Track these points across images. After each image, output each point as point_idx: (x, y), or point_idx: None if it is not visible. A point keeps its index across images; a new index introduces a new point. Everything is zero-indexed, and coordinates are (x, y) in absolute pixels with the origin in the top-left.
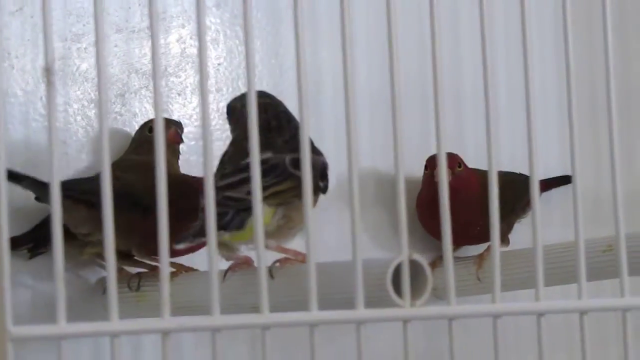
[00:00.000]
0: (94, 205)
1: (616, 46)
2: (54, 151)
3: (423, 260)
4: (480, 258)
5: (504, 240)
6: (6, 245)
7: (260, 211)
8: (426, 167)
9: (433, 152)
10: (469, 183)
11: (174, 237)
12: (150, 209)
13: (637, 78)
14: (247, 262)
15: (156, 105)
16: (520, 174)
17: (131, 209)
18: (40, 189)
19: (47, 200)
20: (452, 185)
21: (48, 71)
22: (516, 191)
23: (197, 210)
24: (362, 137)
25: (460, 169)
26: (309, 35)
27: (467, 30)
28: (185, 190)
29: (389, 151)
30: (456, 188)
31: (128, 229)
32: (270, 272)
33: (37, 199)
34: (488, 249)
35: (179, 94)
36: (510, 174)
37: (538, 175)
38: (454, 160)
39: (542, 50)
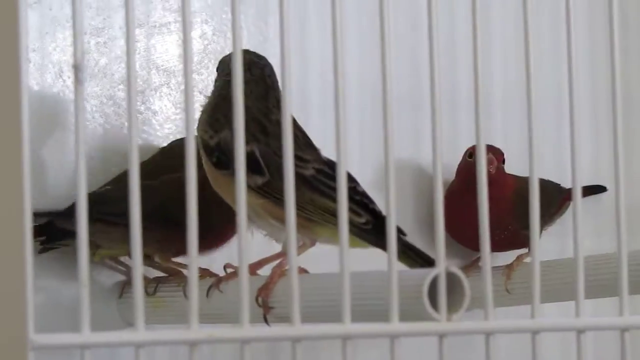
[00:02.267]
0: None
1: None
2: (80, 152)
3: (461, 272)
4: (509, 268)
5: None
6: (30, 244)
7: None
8: (470, 154)
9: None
10: (505, 183)
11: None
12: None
13: None
14: (236, 273)
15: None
16: (549, 181)
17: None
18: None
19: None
20: (493, 179)
21: (77, 68)
22: (546, 198)
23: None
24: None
25: (503, 165)
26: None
27: (499, 32)
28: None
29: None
30: (496, 183)
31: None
32: (208, 292)
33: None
34: (518, 258)
35: (201, 92)
36: (540, 181)
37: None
38: (500, 155)
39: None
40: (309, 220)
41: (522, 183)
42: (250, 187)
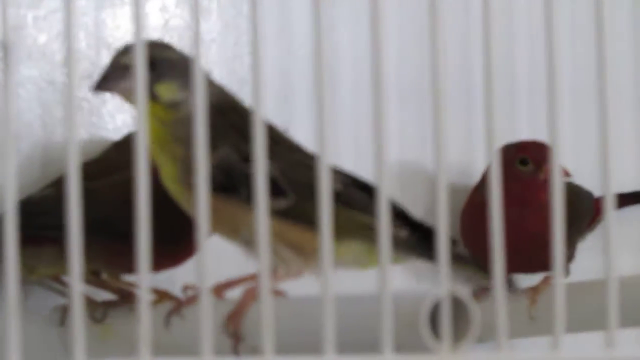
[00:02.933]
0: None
1: None
2: (10, 149)
3: (467, 296)
4: (534, 292)
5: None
6: None
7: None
8: (523, 161)
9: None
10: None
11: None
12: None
13: None
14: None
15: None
16: (582, 187)
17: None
18: None
19: None
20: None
21: (6, 46)
22: (580, 207)
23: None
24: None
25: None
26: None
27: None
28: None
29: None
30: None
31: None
32: (168, 318)
33: None
34: (544, 280)
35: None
36: (573, 186)
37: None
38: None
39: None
40: (339, 241)
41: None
42: (271, 212)
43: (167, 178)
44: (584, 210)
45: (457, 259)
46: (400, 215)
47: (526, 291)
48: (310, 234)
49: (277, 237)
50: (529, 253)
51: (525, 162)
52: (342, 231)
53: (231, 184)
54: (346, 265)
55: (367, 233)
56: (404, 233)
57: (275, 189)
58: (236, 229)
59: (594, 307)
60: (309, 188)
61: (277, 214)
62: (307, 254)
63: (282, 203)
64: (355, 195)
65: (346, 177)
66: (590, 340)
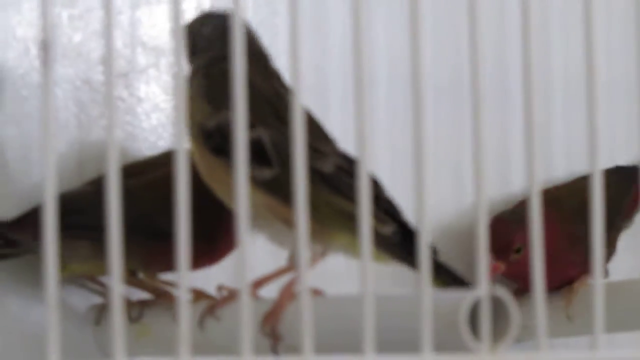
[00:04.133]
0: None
1: None
2: (50, 145)
3: (507, 295)
4: (571, 292)
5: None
6: None
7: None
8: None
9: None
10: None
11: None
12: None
13: None
14: (231, 298)
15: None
16: (618, 168)
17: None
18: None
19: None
20: (509, 276)
21: (45, 46)
22: (615, 194)
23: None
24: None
25: (517, 253)
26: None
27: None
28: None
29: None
30: (516, 277)
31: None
32: (202, 321)
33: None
34: (581, 280)
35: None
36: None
37: None
38: (508, 246)
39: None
40: (324, 225)
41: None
42: (254, 182)
43: (195, 152)
44: (617, 200)
45: (436, 268)
46: (389, 212)
47: (562, 292)
48: (288, 208)
49: (267, 209)
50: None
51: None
52: (323, 217)
53: (229, 148)
54: (339, 251)
55: (350, 223)
56: (388, 229)
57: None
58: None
59: (633, 306)
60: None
61: (263, 184)
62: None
63: (266, 173)
64: (344, 180)
65: (345, 161)
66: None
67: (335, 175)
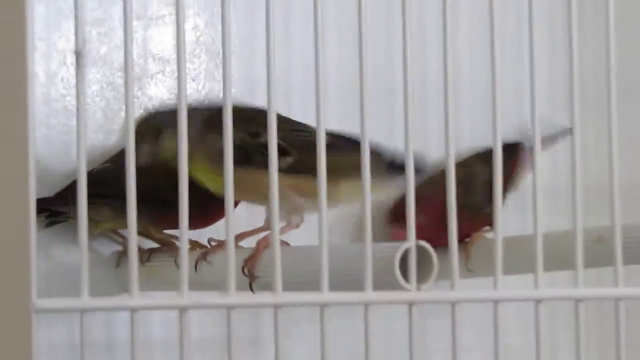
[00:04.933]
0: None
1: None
2: (82, 133)
3: (429, 246)
4: (467, 249)
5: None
6: (33, 216)
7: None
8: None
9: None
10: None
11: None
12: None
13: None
14: (220, 247)
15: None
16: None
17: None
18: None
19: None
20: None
21: (78, 54)
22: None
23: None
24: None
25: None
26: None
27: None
28: None
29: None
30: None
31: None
32: (196, 265)
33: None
34: (472, 238)
35: (193, 80)
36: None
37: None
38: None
39: None
40: (335, 182)
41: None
42: (281, 170)
43: (199, 173)
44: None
45: None
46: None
47: (461, 247)
48: (312, 181)
49: (290, 188)
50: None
51: None
52: (335, 173)
53: (247, 157)
54: (342, 202)
55: (354, 172)
56: (383, 163)
57: (280, 150)
58: (256, 191)
59: (519, 256)
60: (305, 146)
61: (286, 169)
62: (313, 199)
63: (288, 160)
64: (341, 143)
65: (332, 133)
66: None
67: (334, 142)
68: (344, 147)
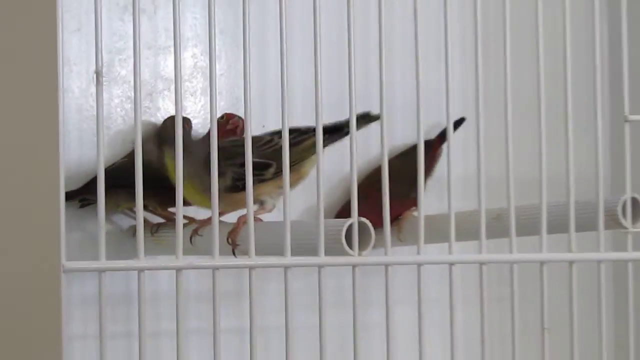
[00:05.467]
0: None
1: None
2: (100, 135)
3: (368, 222)
4: (399, 224)
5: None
6: (62, 201)
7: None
8: None
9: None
10: None
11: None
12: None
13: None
14: (208, 222)
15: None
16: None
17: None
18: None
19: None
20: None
21: (98, 74)
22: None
23: None
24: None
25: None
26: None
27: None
28: None
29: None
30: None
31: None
32: (191, 239)
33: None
34: (403, 216)
35: (192, 95)
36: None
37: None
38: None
39: None
40: (300, 165)
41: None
42: (268, 179)
43: (190, 193)
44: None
45: None
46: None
47: (395, 223)
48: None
49: (276, 187)
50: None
51: None
52: (299, 158)
53: (237, 185)
54: (305, 176)
55: (312, 150)
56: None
57: (264, 165)
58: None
59: (438, 228)
60: (279, 153)
61: (271, 177)
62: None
63: (271, 170)
64: (300, 134)
65: (292, 129)
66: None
67: (295, 137)
68: (303, 134)
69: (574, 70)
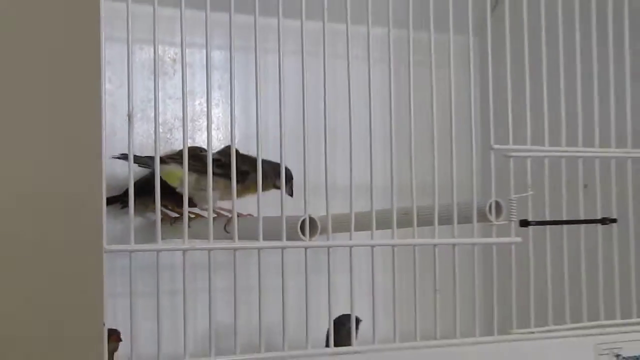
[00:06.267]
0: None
1: None
2: (131, 160)
3: (316, 216)
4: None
5: None
6: (104, 203)
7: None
8: None
9: None
10: None
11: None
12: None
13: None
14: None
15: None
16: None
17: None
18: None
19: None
20: None
21: (129, 116)
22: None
23: None
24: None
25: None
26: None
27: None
28: None
29: None
30: None
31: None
32: (225, 227)
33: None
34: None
35: (199, 130)
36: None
37: None
38: None
39: None
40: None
41: None
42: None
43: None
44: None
45: None
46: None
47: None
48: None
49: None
50: None
51: None
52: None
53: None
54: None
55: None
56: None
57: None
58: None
59: (366, 220)
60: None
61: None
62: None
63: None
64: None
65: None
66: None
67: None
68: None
69: (458, 112)
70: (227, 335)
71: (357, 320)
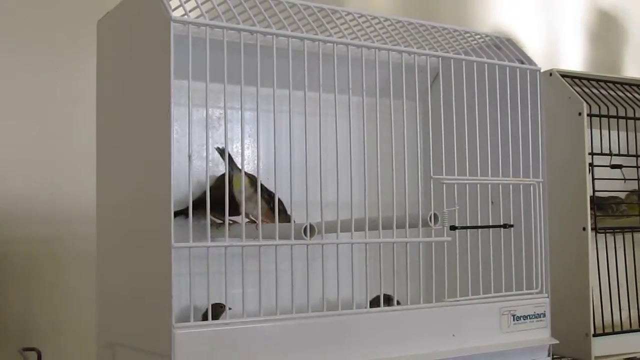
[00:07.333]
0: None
1: None
2: (190, 187)
3: (314, 222)
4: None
5: None
6: (171, 215)
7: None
8: None
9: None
10: None
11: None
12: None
13: None
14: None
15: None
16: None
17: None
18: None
19: None
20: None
21: (190, 157)
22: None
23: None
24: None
25: None
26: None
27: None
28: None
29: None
30: None
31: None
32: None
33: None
34: None
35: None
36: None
37: None
38: None
39: None
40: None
41: None
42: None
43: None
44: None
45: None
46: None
47: None
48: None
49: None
50: None
51: None
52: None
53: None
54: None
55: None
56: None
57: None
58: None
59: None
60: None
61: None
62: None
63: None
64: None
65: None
66: None
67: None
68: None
69: (409, 152)
70: (251, 300)
71: (390, 298)
